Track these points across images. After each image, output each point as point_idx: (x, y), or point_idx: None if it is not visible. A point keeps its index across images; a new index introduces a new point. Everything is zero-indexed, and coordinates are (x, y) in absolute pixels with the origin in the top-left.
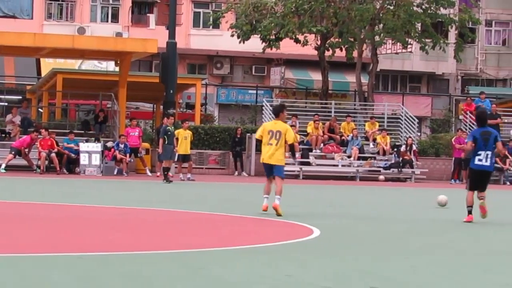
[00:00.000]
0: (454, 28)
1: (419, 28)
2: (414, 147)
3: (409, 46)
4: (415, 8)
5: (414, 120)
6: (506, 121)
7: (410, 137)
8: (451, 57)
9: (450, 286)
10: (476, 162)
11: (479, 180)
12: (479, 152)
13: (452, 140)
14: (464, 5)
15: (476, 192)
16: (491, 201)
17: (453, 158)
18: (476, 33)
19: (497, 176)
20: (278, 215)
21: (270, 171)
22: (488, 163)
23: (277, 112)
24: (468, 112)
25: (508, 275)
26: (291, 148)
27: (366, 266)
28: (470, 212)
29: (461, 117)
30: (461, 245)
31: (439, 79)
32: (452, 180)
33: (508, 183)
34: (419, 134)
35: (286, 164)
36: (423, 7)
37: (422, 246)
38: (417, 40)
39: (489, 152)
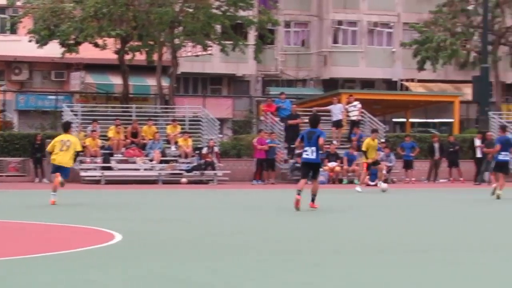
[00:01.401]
0: (253, 29)
1: (219, 30)
2: (216, 149)
3: (209, 48)
4: (214, 11)
5: (216, 122)
6: (306, 121)
7: (212, 139)
8: (251, 59)
9: (251, 286)
10: (304, 156)
11: (307, 170)
12: (306, 148)
13: (254, 141)
14: (263, 6)
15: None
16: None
17: (255, 159)
18: (275, 34)
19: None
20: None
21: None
22: (314, 156)
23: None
24: (269, 112)
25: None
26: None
27: (165, 270)
28: (298, 194)
29: (262, 117)
30: (265, 245)
31: (240, 81)
32: (254, 180)
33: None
34: (221, 135)
35: (88, 169)
36: (222, 9)
37: (222, 247)
38: (217, 42)
39: (314, 148)
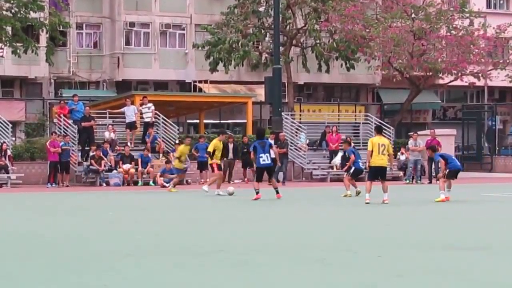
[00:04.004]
0: (45, 31)
1: (10, 32)
2: (9, 152)
3: (0, 50)
4: (4, 12)
5: (8, 125)
6: (100, 123)
7: (4, 142)
8: (43, 61)
9: None
10: (261, 162)
11: (263, 173)
12: (261, 155)
13: (47, 143)
14: (54, 8)
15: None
16: None
17: (49, 162)
18: (67, 36)
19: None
20: None
21: None
22: (269, 161)
23: None
24: (62, 115)
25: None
26: None
27: None
28: (257, 193)
29: (55, 120)
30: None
31: (32, 83)
32: (49, 184)
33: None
34: (13, 138)
35: None
36: (13, 11)
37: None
38: (8, 44)
39: (268, 154)
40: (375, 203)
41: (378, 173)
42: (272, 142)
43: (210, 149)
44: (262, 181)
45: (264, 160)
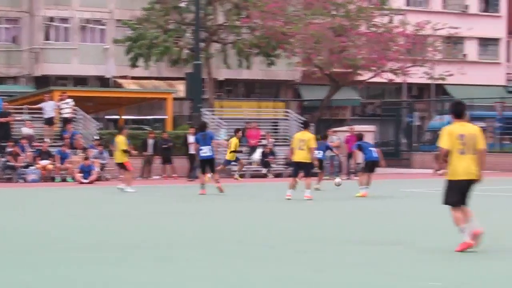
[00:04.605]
0: None
1: None
2: None
3: None
4: None
5: None
6: (18, 118)
7: None
8: None
9: None
10: (201, 154)
11: (205, 165)
12: (202, 148)
13: None
14: None
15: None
16: None
17: None
18: None
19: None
20: None
21: None
22: (210, 153)
23: None
24: None
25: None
26: None
27: None
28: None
29: None
30: None
31: None
32: None
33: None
34: None
35: None
36: None
37: None
38: None
39: (209, 147)
40: (297, 199)
41: (299, 168)
42: (192, 138)
43: (123, 146)
44: (206, 173)
45: (205, 153)
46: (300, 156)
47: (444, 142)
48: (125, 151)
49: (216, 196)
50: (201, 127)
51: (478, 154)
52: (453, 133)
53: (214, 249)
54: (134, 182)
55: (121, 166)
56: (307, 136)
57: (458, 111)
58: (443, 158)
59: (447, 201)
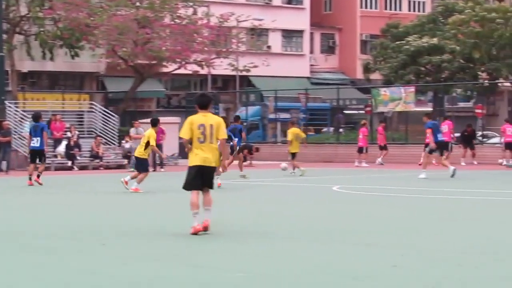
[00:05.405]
0: None
1: None
2: None
3: None
4: None
5: None
6: None
7: None
8: None
9: None
10: (32, 145)
11: (35, 156)
12: (33, 139)
13: None
14: None
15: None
16: None
17: None
18: None
19: None
20: None
21: None
22: (38, 145)
23: None
24: None
25: None
26: None
27: None
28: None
29: None
30: None
31: None
32: None
33: None
34: None
35: None
36: None
37: None
38: None
39: (39, 138)
40: (112, 192)
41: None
42: None
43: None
44: (34, 163)
45: (34, 143)
46: (136, 152)
47: (184, 132)
48: None
49: (25, 188)
50: (35, 118)
51: (219, 144)
52: (194, 123)
53: (21, 243)
54: None
55: None
56: (148, 133)
57: (203, 102)
58: (188, 147)
59: (185, 186)
